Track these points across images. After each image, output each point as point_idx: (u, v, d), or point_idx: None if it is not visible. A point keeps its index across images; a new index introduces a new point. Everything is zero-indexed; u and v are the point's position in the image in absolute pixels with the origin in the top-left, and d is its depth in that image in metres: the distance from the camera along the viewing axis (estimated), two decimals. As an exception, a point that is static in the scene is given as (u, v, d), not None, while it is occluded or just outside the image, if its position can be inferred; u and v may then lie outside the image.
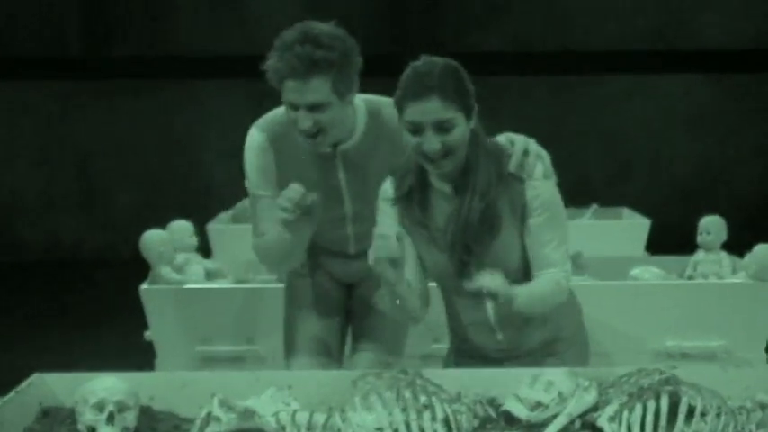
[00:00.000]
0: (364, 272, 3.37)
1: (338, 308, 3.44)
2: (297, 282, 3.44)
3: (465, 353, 3.08)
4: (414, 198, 2.89)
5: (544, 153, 2.86)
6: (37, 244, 9.89)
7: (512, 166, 2.80)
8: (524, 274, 2.88)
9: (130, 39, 9.66)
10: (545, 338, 2.99)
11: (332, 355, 3.39)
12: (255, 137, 3.14)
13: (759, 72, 9.72)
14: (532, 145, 2.84)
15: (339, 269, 3.41)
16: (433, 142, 2.71)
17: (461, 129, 2.72)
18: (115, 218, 9.80)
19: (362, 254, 3.32)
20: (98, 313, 7.46)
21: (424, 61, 2.78)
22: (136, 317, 4.30)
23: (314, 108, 2.90)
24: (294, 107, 2.92)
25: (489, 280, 2.69)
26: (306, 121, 2.91)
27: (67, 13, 9.67)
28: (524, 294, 2.78)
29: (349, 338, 3.50)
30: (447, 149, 2.73)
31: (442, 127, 2.70)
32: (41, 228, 9.92)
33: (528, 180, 2.81)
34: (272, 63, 2.91)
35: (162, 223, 4.37)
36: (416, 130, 2.73)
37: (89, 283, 8.70)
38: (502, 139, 2.87)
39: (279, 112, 3.14)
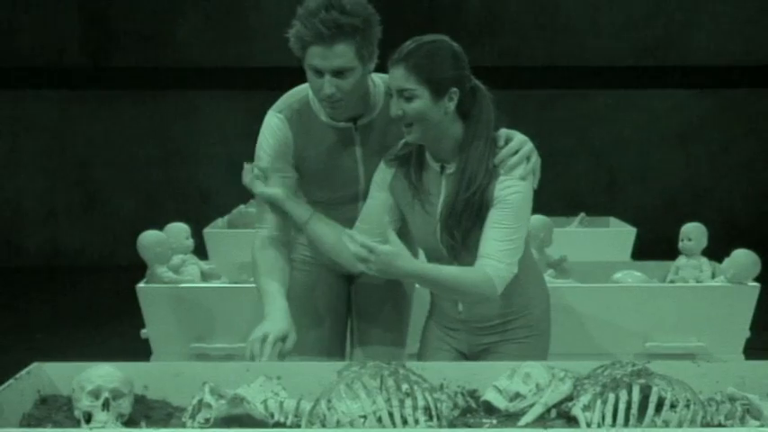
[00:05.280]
0: None
1: (340, 301, 3.46)
2: (298, 278, 3.43)
3: (436, 319, 3.21)
4: (412, 160, 3.03)
5: (534, 158, 2.94)
6: (38, 251, 9.93)
7: (497, 158, 2.90)
8: None
9: (131, 49, 9.72)
10: (504, 318, 3.08)
11: (333, 354, 3.41)
12: (273, 118, 3.17)
13: (746, 88, 9.81)
14: (526, 147, 2.93)
15: None
16: (395, 107, 2.88)
17: (423, 102, 2.85)
18: (115, 225, 9.85)
19: None
20: (96, 317, 7.54)
21: (423, 36, 2.91)
22: (133, 320, 4.35)
23: (338, 73, 2.95)
24: (319, 73, 2.96)
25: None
26: (330, 86, 2.95)
27: (69, 24, 9.73)
28: (437, 275, 2.86)
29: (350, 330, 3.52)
30: (408, 118, 2.87)
31: (403, 95, 2.86)
32: (43, 235, 9.96)
33: (504, 175, 2.90)
34: (295, 30, 2.95)
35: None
36: (390, 93, 2.91)
37: (89, 289, 8.77)
38: (503, 133, 2.95)
39: (293, 92, 3.21)
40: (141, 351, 4.23)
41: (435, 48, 2.88)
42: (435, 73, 2.85)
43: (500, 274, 2.86)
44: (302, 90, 3.19)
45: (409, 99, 2.85)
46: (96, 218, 9.96)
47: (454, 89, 2.88)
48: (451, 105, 2.89)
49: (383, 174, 3.09)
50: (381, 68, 3.07)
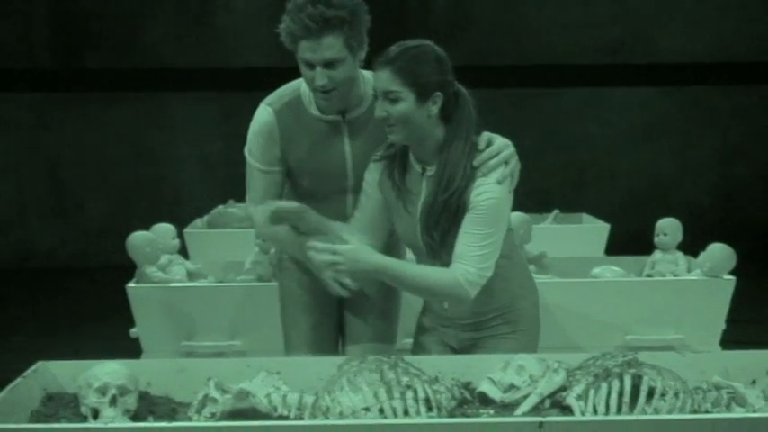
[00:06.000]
0: None
1: (331, 298, 3.43)
2: (290, 275, 3.49)
3: (428, 315, 3.25)
4: (396, 160, 3.09)
5: (513, 162, 2.97)
6: (10, 253, 9.84)
7: (477, 160, 2.94)
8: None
9: (101, 51, 9.66)
10: (488, 315, 3.11)
11: (328, 349, 3.46)
12: (262, 111, 3.26)
13: (711, 85, 9.94)
14: (506, 151, 2.96)
15: None
16: (379, 109, 2.95)
17: (407, 105, 2.90)
18: (87, 227, 9.78)
19: None
20: (75, 318, 7.50)
21: (408, 41, 2.98)
22: (114, 320, 4.36)
23: (329, 65, 3.04)
24: (310, 65, 3.06)
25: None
26: (321, 78, 3.04)
27: (38, 25, 9.66)
28: (404, 272, 2.94)
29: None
30: (391, 120, 2.93)
31: (388, 97, 2.92)
32: (14, 237, 9.89)
33: (481, 178, 2.93)
34: (285, 26, 3.04)
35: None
36: (375, 95, 2.97)
37: (63, 291, 8.68)
38: (484, 136, 2.99)
39: (287, 85, 3.29)
40: (128, 351, 4.19)
41: (420, 52, 2.94)
42: (420, 77, 2.90)
43: (470, 278, 2.89)
44: (295, 84, 3.28)
45: (394, 101, 2.91)
46: (68, 220, 9.90)
47: (438, 93, 2.93)
48: (435, 109, 2.94)
49: (372, 173, 3.15)
50: (368, 66, 3.13)
